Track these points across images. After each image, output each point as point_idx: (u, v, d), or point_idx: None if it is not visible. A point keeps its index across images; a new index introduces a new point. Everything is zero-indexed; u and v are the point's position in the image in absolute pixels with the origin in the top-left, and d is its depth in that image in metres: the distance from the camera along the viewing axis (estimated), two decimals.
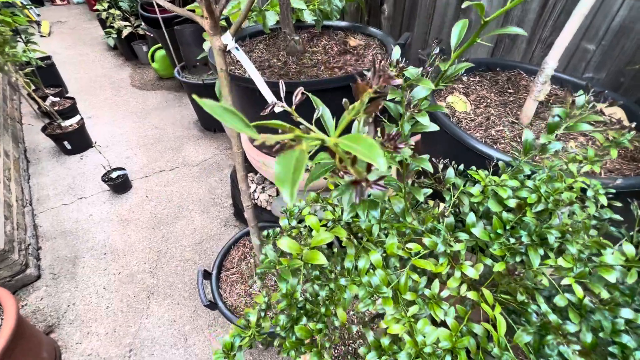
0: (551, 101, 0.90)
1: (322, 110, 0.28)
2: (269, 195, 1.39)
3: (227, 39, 0.63)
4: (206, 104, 0.14)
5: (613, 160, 0.68)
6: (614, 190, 0.41)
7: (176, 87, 3.11)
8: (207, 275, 1.14)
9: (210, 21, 0.59)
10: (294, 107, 0.25)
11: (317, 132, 0.16)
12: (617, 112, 0.82)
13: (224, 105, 0.15)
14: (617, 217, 0.48)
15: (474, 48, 1.23)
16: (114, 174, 1.93)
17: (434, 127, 0.31)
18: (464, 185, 0.44)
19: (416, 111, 0.31)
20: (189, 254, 1.65)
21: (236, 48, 0.64)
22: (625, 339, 0.36)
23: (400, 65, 0.32)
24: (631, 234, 0.47)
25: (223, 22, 1.68)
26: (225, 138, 2.45)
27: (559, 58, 0.72)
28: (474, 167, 0.65)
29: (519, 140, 0.77)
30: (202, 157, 2.28)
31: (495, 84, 0.97)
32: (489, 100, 0.90)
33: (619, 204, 0.50)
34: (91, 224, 1.80)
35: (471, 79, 0.99)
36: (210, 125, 2.50)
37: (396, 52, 0.36)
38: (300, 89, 0.26)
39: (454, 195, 0.40)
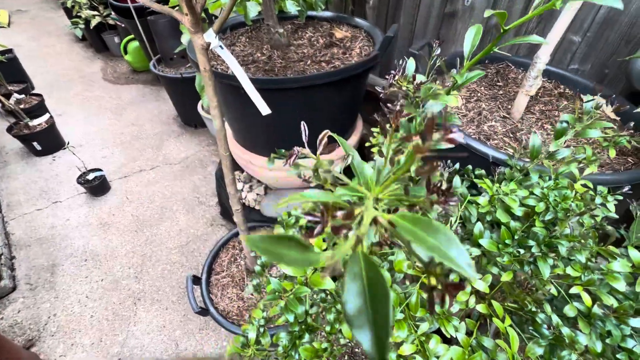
0: (540, 94, 0.90)
1: (353, 156, 0.23)
2: (257, 194, 1.35)
3: (210, 36, 0.58)
4: (250, 240, 0.11)
5: (601, 155, 0.69)
6: (621, 197, 0.41)
7: (152, 80, 2.97)
8: (196, 280, 1.10)
9: (191, 18, 0.55)
10: (319, 153, 0.22)
11: (363, 192, 0.14)
12: (604, 106, 0.83)
13: (267, 237, 0.11)
14: (614, 215, 0.48)
15: (461, 39, 1.22)
16: (91, 176, 1.83)
17: (449, 146, 0.29)
18: (470, 194, 0.43)
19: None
20: (175, 256, 1.60)
21: (220, 46, 0.60)
22: (631, 343, 0.36)
23: (417, 82, 0.30)
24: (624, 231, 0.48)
25: (202, 14, 1.60)
26: (207, 134, 2.37)
27: (550, 52, 0.71)
28: (470, 166, 0.64)
29: (511, 135, 0.77)
30: (184, 154, 2.20)
31: (485, 77, 0.96)
32: (479, 94, 0.90)
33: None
34: (69, 230, 1.71)
35: None
36: (190, 121, 2.41)
37: (410, 65, 0.33)
38: (326, 132, 0.23)
39: (461, 206, 0.39)
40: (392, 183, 0.15)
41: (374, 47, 1.12)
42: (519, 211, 0.36)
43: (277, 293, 0.34)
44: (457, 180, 0.42)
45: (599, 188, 0.40)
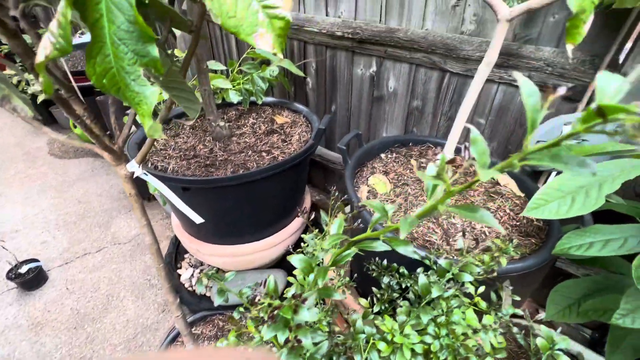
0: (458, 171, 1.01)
1: None
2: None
3: (133, 167, 0.60)
4: None
5: (510, 238, 0.77)
6: (503, 331, 0.46)
7: None
8: None
9: (110, 155, 0.57)
10: None
11: None
12: (510, 183, 0.94)
13: None
14: (518, 312, 0.53)
15: (390, 118, 1.36)
16: (24, 268, 1.67)
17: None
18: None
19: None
20: (120, 353, 1.44)
21: (144, 173, 0.62)
22: None
23: (276, 304, 0.33)
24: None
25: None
26: (160, 207, 2.30)
27: (453, 149, 0.82)
28: (395, 264, 0.68)
29: (434, 220, 0.83)
30: (135, 231, 2.09)
31: (410, 159, 1.07)
32: (406, 178, 0.98)
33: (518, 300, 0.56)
34: None
35: (389, 155, 1.08)
36: (144, 194, 2.33)
37: (271, 282, 0.37)
38: None
39: (364, 351, 0.41)
40: None
41: (312, 132, 1.20)
42: (419, 347, 0.39)
43: None
44: (359, 322, 0.45)
45: (485, 321, 0.45)
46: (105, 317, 1.59)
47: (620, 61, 0.79)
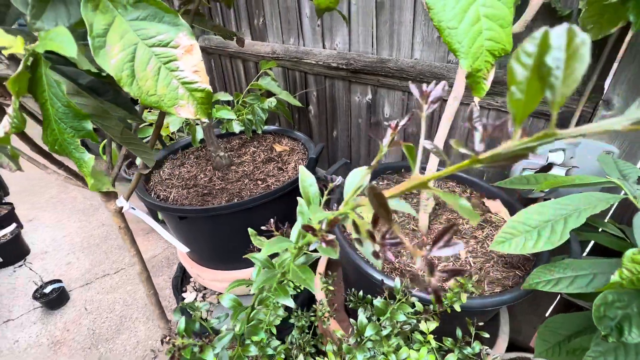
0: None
1: None
2: (210, 304, 1.34)
3: (122, 202, 0.66)
4: None
5: (495, 269, 0.75)
6: None
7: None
8: None
9: (100, 193, 0.63)
10: None
11: None
12: (501, 211, 0.92)
13: None
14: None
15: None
16: (48, 288, 1.79)
17: None
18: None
19: None
20: None
21: (132, 208, 0.68)
22: None
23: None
24: None
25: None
26: None
27: None
28: (369, 296, 0.69)
29: (418, 250, 0.83)
30: (150, 253, 2.19)
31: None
32: None
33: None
34: (15, 354, 1.60)
35: (380, 182, 1.09)
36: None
37: (182, 323, 0.40)
38: None
39: None
40: None
41: (308, 160, 1.24)
42: None
43: None
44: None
45: None
46: (117, 337, 1.65)
47: (605, 88, 0.77)
